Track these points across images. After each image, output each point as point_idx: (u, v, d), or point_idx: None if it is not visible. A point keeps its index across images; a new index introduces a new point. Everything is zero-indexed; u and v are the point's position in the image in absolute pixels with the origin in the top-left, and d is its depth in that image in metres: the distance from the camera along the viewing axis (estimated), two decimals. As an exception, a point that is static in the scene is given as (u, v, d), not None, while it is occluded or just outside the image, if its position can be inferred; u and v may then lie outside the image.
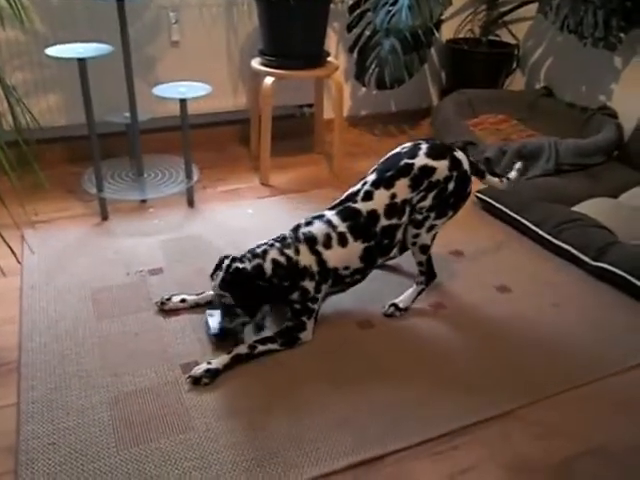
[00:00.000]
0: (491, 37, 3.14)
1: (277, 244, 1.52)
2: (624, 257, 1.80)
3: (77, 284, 1.75)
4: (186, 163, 2.19)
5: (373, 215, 1.56)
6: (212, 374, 1.40)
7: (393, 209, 1.56)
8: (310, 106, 2.95)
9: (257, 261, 1.49)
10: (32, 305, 1.65)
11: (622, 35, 2.43)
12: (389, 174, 1.57)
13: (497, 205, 2.20)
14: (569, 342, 1.58)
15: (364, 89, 3.05)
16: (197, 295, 1.69)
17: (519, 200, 2.18)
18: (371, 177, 1.60)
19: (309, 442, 1.25)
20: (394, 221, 1.57)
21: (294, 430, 1.28)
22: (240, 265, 1.48)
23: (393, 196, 1.56)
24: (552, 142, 2.49)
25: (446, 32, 3.17)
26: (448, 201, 1.61)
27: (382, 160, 1.65)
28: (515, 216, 2.13)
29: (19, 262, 1.80)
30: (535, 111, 2.98)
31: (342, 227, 1.54)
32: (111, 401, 1.34)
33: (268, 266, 1.48)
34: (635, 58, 2.59)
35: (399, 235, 1.61)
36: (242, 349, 1.46)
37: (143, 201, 2.26)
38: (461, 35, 3.21)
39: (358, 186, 1.61)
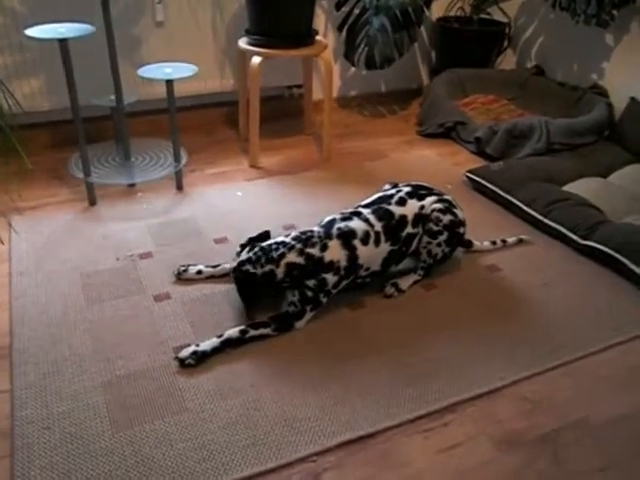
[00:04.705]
0: (482, 15, 3.11)
1: (299, 245, 1.51)
2: (613, 236, 1.81)
3: (67, 269, 1.74)
4: (174, 146, 2.17)
5: (403, 220, 1.63)
6: (198, 356, 1.40)
7: (418, 219, 1.66)
8: (299, 87, 2.92)
9: (269, 267, 1.49)
10: (22, 291, 1.64)
11: (615, 12, 2.42)
12: (422, 192, 1.72)
13: (488, 185, 2.21)
14: (556, 320, 1.60)
15: (353, 69, 3.03)
16: (213, 267, 1.72)
17: (510, 180, 2.18)
18: (406, 189, 1.72)
19: (302, 421, 1.27)
20: (415, 230, 1.66)
21: (287, 410, 1.30)
22: (251, 270, 1.49)
23: (421, 208, 1.67)
24: (543, 121, 2.49)
25: (436, 10, 3.13)
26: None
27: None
28: (505, 196, 2.14)
29: (2, 243, 1.79)
30: (526, 90, 2.98)
31: (378, 227, 1.60)
32: (104, 385, 1.34)
33: (281, 271, 1.48)
34: None
35: (414, 244, 1.68)
36: (233, 333, 1.46)
37: (131, 185, 2.24)
38: (451, 13, 3.18)
39: (392, 191, 1.72)
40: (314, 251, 1.51)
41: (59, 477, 1.13)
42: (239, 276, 1.52)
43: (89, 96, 2.26)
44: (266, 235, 1.63)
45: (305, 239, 1.52)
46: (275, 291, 1.54)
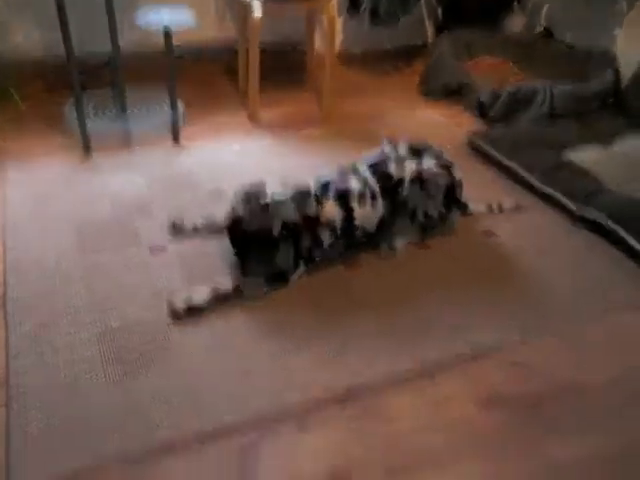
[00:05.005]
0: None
1: (296, 202, 1.49)
2: (610, 206, 1.81)
3: (61, 220, 1.73)
4: (171, 97, 2.11)
5: (400, 181, 1.61)
6: (192, 310, 1.41)
7: (415, 180, 1.63)
8: (301, 41, 2.83)
9: (265, 223, 1.46)
10: (16, 241, 1.63)
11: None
12: (421, 152, 1.70)
13: (488, 149, 2.18)
14: (549, 287, 1.61)
15: (357, 24, 2.93)
16: (209, 221, 1.71)
17: (510, 144, 2.15)
18: (404, 148, 1.69)
19: (295, 374, 1.29)
20: (412, 191, 1.63)
21: (280, 363, 1.32)
22: (246, 224, 1.47)
23: (419, 168, 1.64)
24: (547, 86, 2.44)
25: (445, -36, 3.01)
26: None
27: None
28: (505, 160, 2.12)
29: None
30: (533, 54, 2.90)
31: (375, 187, 1.58)
32: (99, 336, 1.35)
33: (277, 227, 1.47)
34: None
35: (411, 205, 1.66)
36: (227, 287, 1.47)
37: (127, 136, 2.20)
38: (460, -32, 3.06)
39: (390, 151, 1.68)
40: (311, 210, 1.50)
41: (54, 426, 1.15)
42: (234, 231, 1.51)
43: (84, 43, 2.18)
44: (262, 186, 1.60)
45: (302, 196, 1.51)
46: (270, 247, 1.53)
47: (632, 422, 1.25)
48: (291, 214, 1.48)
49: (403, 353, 1.37)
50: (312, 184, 1.57)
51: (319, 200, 1.51)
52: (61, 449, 1.11)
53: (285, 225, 1.48)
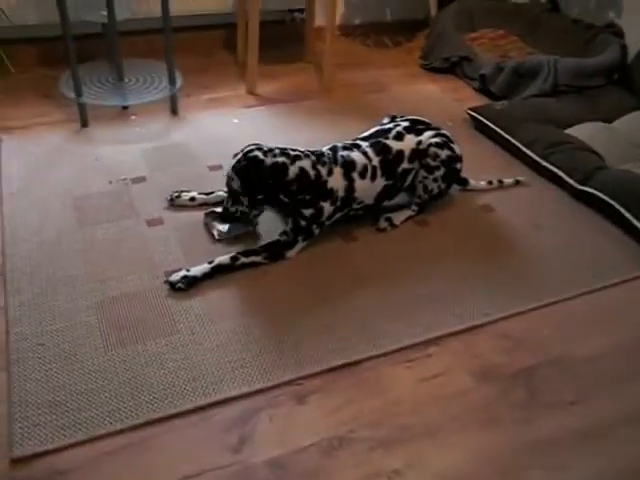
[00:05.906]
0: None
1: (313, 157, 1.50)
2: (609, 182, 1.80)
3: (58, 192, 1.72)
4: (169, 68, 2.09)
5: (400, 155, 1.62)
6: (189, 281, 1.41)
7: (415, 154, 1.64)
8: (301, 11, 2.78)
9: (282, 160, 1.46)
10: (13, 212, 1.63)
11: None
12: (420, 127, 1.69)
13: (489, 124, 2.16)
14: (544, 262, 1.62)
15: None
16: (206, 195, 1.70)
17: (511, 120, 2.13)
18: (404, 123, 1.69)
19: (290, 346, 1.30)
20: (411, 166, 1.64)
21: (276, 335, 1.33)
22: (260, 156, 1.45)
23: (419, 143, 1.64)
24: (551, 61, 2.40)
25: None
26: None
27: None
28: (506, 136, 2.10)
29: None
30: (538, 27, 2.85)
31: (375, 161, 1.58)
32: (97, 305, 1.36)
33: (293, 171, 1.46)
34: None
35: (409, 179, 1.67)
36: (224, 260, 1.47)
37: (124, 108, 2.18)
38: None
39: (390, 125, 1.68)
40: (323, 171, 1.51)
41: (54, 390, 1.17)
42: (244, 165, 1.44)
43: (79, 11, 2.14)
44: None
45: (318, 155, 1.53)
46: (273, 197, 1.49)
47: (620, 395, 1.26)
48: (308, 165, 1.48)
49: (397, 327, 1.37)
50: (324, 148, 1.58)
51: (331, 164, 1.53)
52: (57, 415, 1.13)
53: (302, 172, 1.46)
